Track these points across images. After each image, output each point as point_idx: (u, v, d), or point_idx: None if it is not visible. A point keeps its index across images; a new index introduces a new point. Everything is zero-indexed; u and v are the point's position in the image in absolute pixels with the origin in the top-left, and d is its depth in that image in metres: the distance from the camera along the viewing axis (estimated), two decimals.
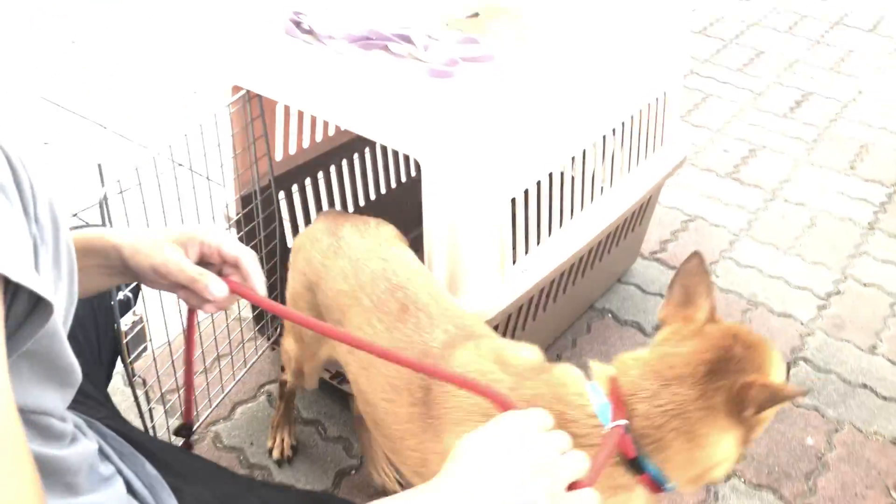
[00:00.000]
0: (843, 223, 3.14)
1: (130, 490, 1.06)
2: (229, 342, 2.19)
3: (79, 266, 0.98)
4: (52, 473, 0.84)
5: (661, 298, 2.66)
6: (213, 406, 2.08)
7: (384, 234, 1.62)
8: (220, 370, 2.10)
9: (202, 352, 2.05)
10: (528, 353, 1.30)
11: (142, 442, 1.19)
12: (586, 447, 0.99)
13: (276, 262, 2.13)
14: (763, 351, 1.19)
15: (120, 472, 1.07)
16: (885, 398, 2.33)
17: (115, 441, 1.13)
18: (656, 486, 1.16)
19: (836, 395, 2.33)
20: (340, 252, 1.53)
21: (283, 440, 2.02)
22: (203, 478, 1.22)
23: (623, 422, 1.11)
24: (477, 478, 0.89)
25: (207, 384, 2.06)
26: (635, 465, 1.13)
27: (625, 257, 2.69)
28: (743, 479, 2.04)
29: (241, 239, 2.03)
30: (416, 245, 1.78)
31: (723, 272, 2.83)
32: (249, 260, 1.11)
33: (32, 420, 0.79)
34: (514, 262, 1.81)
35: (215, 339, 2.11)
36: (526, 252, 1.85)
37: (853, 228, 3.11)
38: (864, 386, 2.37)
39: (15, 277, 0.62)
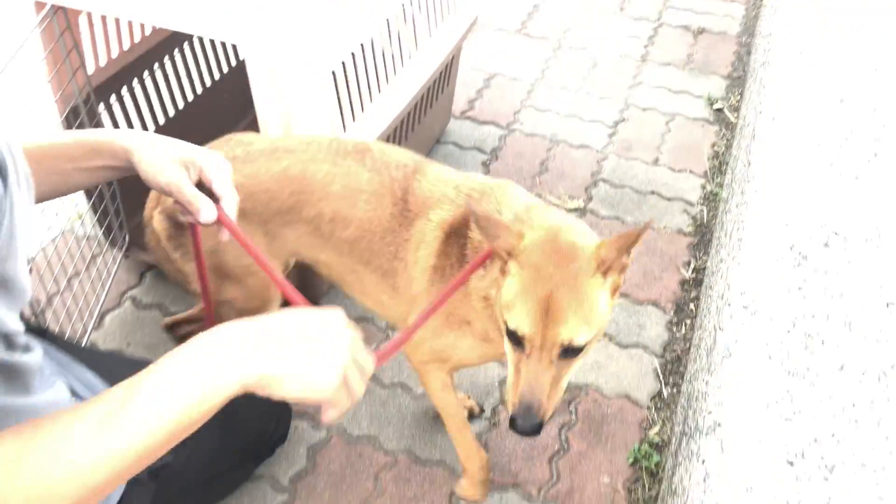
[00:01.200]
0: (620, 59, 3.54)
1: (74, 394, 1.21)
2: (92, 257, 2.26)
3: (86, 166, 1.18)
4: (14, 377, 0.97)
5: (477, 152, 2.98)
6: (93, 317, 2.17)
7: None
8: (91, 282, 2.18)
9: (71, 269, 2.12)
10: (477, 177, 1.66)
11: (74, 350, 1.33)
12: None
13: None
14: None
15: (61, 375, 1.21)
16: (668, 199, 2.78)
17: (51, 350, 1.27)
18: None
19: (632, 204, 2.76)
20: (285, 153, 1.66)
21: None
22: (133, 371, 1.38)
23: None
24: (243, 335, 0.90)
25: (76, 296, 2.13)
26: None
27: (439, 119, 2.94)
28: None
29: None
30: (253, 129, 1.91)
31: (525, 119, 3.15)
32: (229, 204, 1.22)
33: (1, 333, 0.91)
34: (344, 131, 1.99)
35: (81, 253, 2.17)
36: (353, 120, 2.04)
37: (629, 63, 3.53)
38: (653, 192, 2.81)
39: None
